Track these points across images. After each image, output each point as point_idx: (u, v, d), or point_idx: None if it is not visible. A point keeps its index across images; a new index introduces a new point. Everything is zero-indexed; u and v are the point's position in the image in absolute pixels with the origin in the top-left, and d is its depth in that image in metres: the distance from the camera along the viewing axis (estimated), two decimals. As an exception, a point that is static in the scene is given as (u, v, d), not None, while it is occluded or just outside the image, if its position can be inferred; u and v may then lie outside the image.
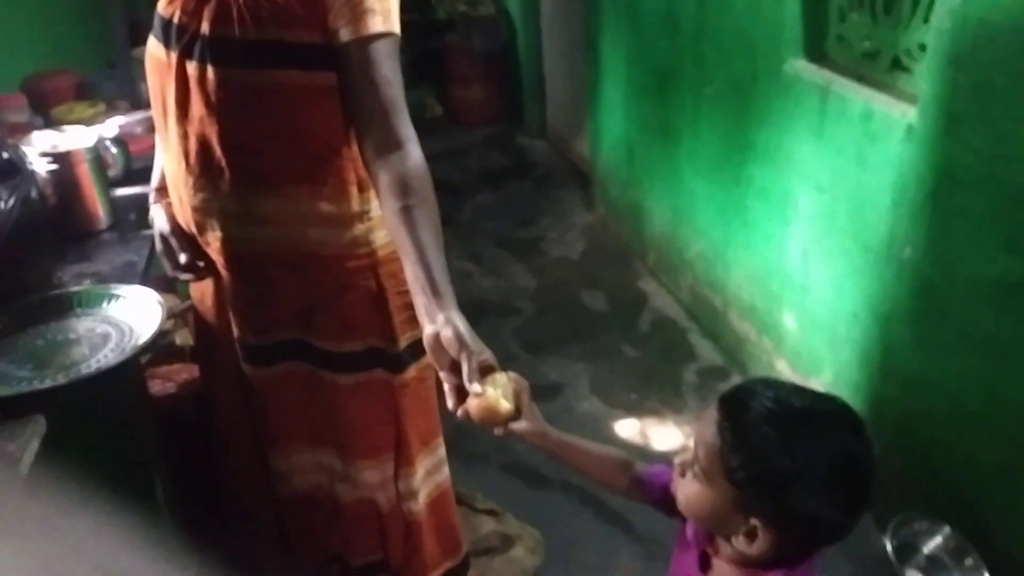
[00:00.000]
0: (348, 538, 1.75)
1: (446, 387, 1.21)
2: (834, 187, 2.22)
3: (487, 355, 1.16)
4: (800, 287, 2.45)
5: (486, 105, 5.28)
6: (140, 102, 2.71)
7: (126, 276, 1.61)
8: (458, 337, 1.16)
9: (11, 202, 1.73)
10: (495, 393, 1.13)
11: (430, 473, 1.74)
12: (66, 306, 1.46)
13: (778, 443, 1.00)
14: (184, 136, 1.42)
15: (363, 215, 1.49)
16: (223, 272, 1.52)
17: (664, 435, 2.58)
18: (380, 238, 1.51)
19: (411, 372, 1.62)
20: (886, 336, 2.12)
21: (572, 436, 1.28)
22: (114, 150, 1.93)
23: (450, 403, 1.19)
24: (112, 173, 1.92)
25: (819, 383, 2.40)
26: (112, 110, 2.60)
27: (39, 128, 2.43)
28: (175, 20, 1.40)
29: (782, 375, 2.59)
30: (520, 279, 3.55)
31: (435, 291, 1.23)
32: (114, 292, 1.48)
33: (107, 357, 1.32)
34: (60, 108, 2.59)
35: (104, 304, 1.47)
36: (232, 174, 1.42)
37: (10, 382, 1.28)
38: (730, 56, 2.67)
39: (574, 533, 2.23)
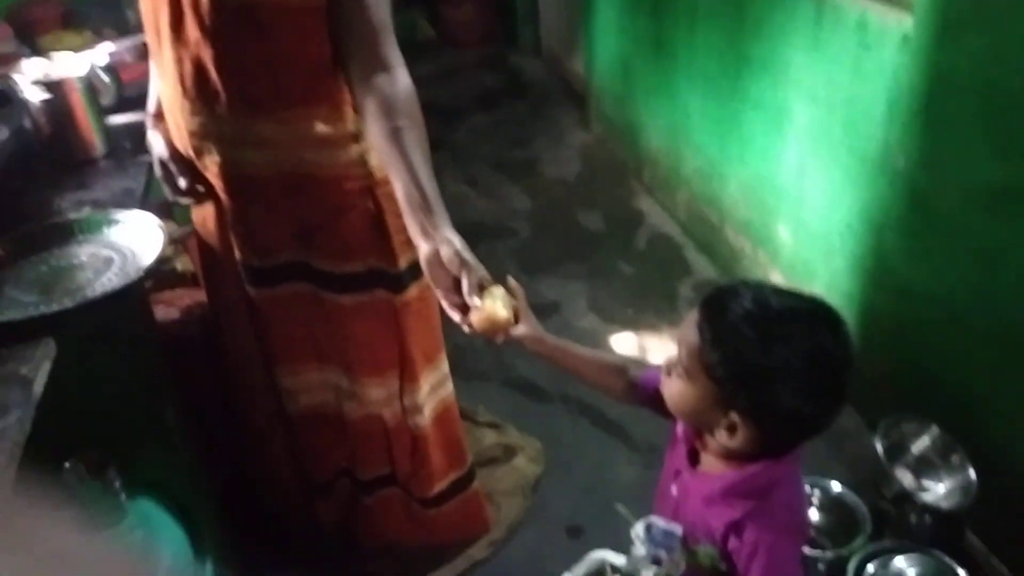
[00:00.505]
0: (356, 453, 1.80)
1: (445, 304, 1.25)
2: (829, 98, 2.21)
3: (483, 271, 1.20)
4: (795, 199, 2.46)
5: (478, 25, 5.19)
6: (128, 28, 2.67)
7: (125, 202, 1.62)
8: (457, 254, 1.20)
9: (4, 132, 1.73)
10: (494, 304, 1.18)
11: (434, 389, 1.78)
12: (68, 233, 1.48)
13: (755, 341, 1.04)
14: (179, 60, 1.42)
15: (359, 136, 1.49)
16: (222, 195, 1.53)
17: (660, 348, 2.62)
18: (376, 159, 1.51)
19: (413, 291, 1.64)
20: (879, 245, 2.14)
21: (569, 342, 1.33)
22: (106, 78, 1.92)
23: (456, 317, 1.24)
24: (105, 101, 1.91)
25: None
26: (100, 37, 2.57)
27: (19, 57, 2.41)
28: None
29: (777, 288, 2.62)
30: (516, 201, 3.55)
31: (429, 210, 1.25)
32: (114, 218, 1.50)
33: (112, 280, 1.35)
34: (47, 37, 2.55)
35: (105, 230, 1.48)
36: (228, 97, 1.42)
37: (18, 307, 1.30)
38: (724, -34, 2.63)
39: (573, 443, 2.30)
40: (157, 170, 1.60)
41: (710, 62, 2.83)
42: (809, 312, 1.08)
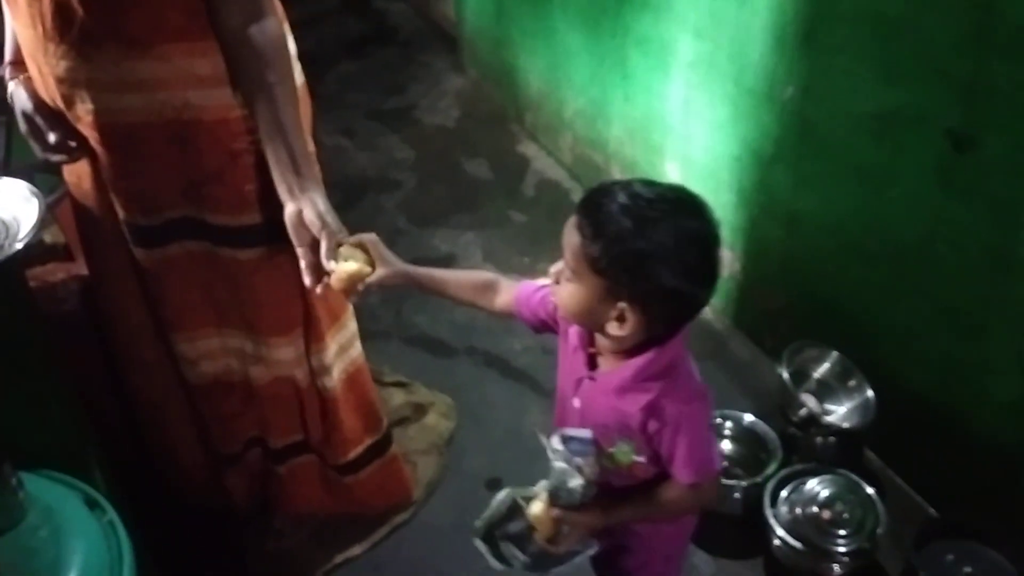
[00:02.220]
0: (266, 420, 1.72)
1: (303, 264, 1.30)
2: (714, 31, 2.22)
3: (343, 233, 1.28)
4: (682, 136, 2.48)
5: (336, -32, 4.96)
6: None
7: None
8: (319, 216, 1.26)
9: None
10: (346, 264, 1.26)
11: (343, 348, 1.71)
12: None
13: (631, 228, 1.10)
14: (35, 2, 1.26)
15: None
16: (99, 149, 1.39)
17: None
18: None
19: None
20: (768, 177, 2.19)
21: (434, 269, 1.40)
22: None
23: (307, 280, 1.31)
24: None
25: (705, 229, 2.47)
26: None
27: None
28: None
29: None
30: (397, 151, 3.44)
31: (297, 171, 1.29)
32: (-24, 186, 1.33)
33: (-14, 256, 1.20)
34: None
35: (-34, 200, 1.32)
36: (98, 36, 1.28)
37: None
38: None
39: (483, 395, 2.28)
40: (23, 125, 1.43)
41: (589, -1, 2.80)
42: (676, 199, 1.16)
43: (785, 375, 1.95)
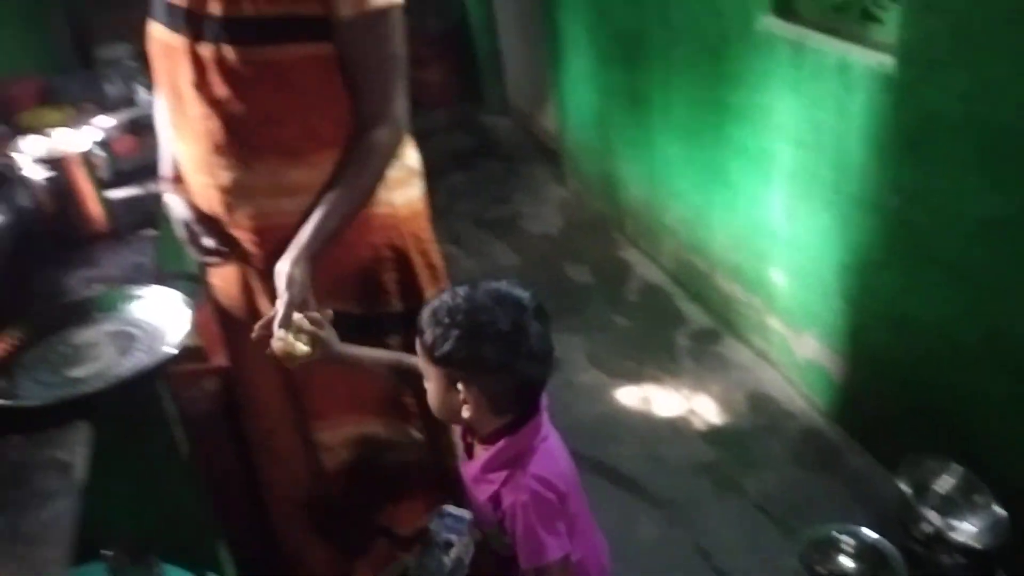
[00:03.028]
0: (395, 506, 1.77)
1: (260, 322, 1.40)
2: (815, 141, 2.26)
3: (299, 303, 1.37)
4: (787, 243, 2.50)
5: (444, 85, 5.25)
6: (107, 103, 2.66)
7: (136, 277, 1.59)
8: (289, 282, 1.36)
9: (7, 213, 1.69)
10: (291, 339, 1.35)
11: None
12: (84, 311, 1.44)
13: (451, 315, 1.24)
14: (206, 117, 1.43)
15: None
16: (254, 250, 1.53)
17: (665, 400, 2.63)
18: (398, 197, 1.57)
19: None
20: (878, 283, 2.17)
21: (362, 350, 1.49)
22: (101, 153, 1.89)
23: (254, 335, 1.38)
24: (101, 176, 1.88)
25: (813, 336, 2.46)
26: (80, 112, 2.55)
27: (6, 136, 2.37)
28: (183, 4, 1.41)
29: (774, 332, 2.65)
30: (502, 257, 3.56)
31: (301, 240, 1.41)
32: (134, 294, 1.46)
33: (140, 358, 1.31)
34: (26, 114, 2.52)
35: (122, 306, 1.45)
36: (261, 148, 1.44)
37: (43, 390, 1.26)
38: (698, 17, 2.69)
39: (592, 501, 2.26)
40: (181, 232, 1.58)
41: (688, 110, 2.89)
42: (493, 290, 1.27)
43: (906, 489, 1.88)
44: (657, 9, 2.91)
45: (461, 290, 1.28)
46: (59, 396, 1.23)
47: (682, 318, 3.00)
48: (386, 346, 1.62)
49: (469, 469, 1.36)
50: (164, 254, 1.75)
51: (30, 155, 1.69)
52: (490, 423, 1.29)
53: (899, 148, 1.98)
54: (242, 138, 1.43)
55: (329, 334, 1.41)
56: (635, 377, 2.72)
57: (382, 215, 1.55)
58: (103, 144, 1.95)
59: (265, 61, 1.38)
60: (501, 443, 1.29)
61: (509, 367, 1.23)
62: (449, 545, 1.28)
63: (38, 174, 1.68)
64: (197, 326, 1.85)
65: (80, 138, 1.76)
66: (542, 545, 1.28)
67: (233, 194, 1.48)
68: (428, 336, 1.26)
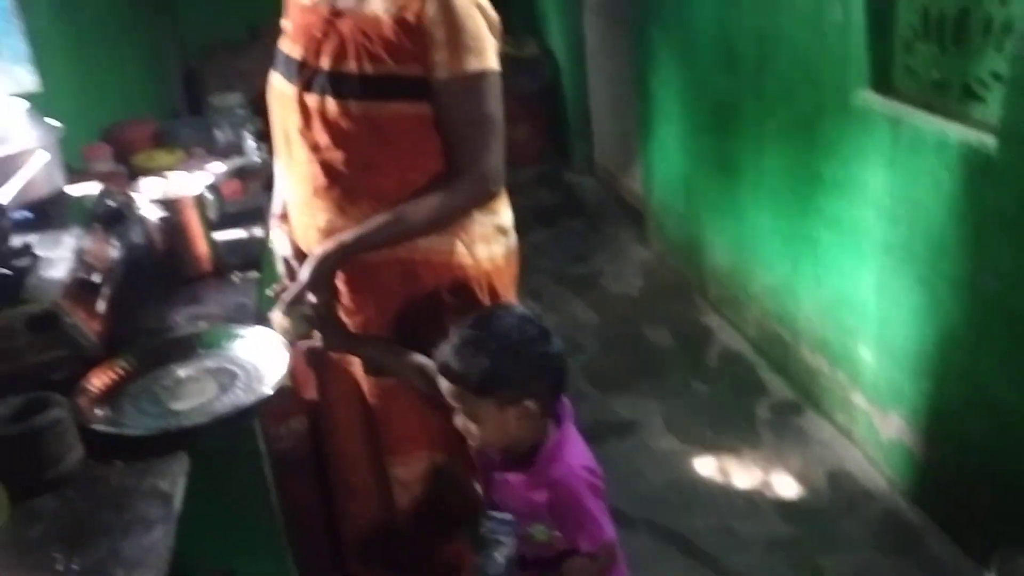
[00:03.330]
0: (463, 543, 1.78)
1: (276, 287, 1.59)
2: (910, 217, 2.23)
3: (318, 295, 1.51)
4: (877, 319, 2.45)
5: (532, 144, 5.34)
6: (216, 148, 2.79)
7: (239, 317, 1.65)
8: (313, 262, 1.50)
9: (121, 249, 1.79)
10: (285, 322, 1.52)
11: None
12: (189, 347, 1.51)
13: (485, 350, 1.37)
14: (309, 162, 1.53)
15: (468, 225, 1.59)
16: (341, 287, 1.61)
17: (743, 472, 2.58)
18: (482, 251, 1.62)
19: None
20: (971, 366, 2.11)
21: (384, 353, 1.62)
22: (210, 196, 1.99)
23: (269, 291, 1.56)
24: (210, 217, 1.96)
25: (899, 415, 2.39)
26: (189, 156, 2.68)
27: (121, 175, 2.51)
28: (298, 57, 1.53)
29: (858, 408, 2.59)
30: (581, 316, 3.57)
31: (342, 237, 1.51)
32: (236, 332, 1.53)
33: (240, 396, 1.36)
34: (140, 156, 2.67)
35: (226, 344, 1.52)
36: (355, 194, 1.53)
37: (146, 420, 1.32)
38: (793, 89, 2.70)
39: (661, 571, 2.23)
40: (280, 267, 1.68)
41: (779, 180, 2.88)
42: (472, 323, 1.43)
43: (996, 582, 1.80)
44: (752, 80, 2.93)
45: (467, 328, 1.41)
46: (162, 427, 1.28)
47: (763, 388, 2.95)
48: None
49: (513, 480, 1.47)
50: (265, 295, 1.82)
51: (147, 195, 1.79)
52: (542, 429, 1.44)
53: (998, 229, 1.94)
54: (339, 183, 1.53)
55: (328, 331, 1.57)
56: (712, 446, 2.68)
57: (463, 266, 1.61)
58: (212, 187, 2.04)
59: (363, 115, 1.48)
60: (544, 451, 1.43)
61: (547, 366, 1.41)
62: (500, 545, 1.43)
63: (153, 214, 1.77)
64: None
65: (194, 181, 1.86)
66: (601, 526, 1.42)
67: (328, 234, 1.56)
68: (469, 376, 1.38)
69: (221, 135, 2.84)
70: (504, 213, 1.69)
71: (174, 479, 1.18)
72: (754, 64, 2.91)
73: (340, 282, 1.61)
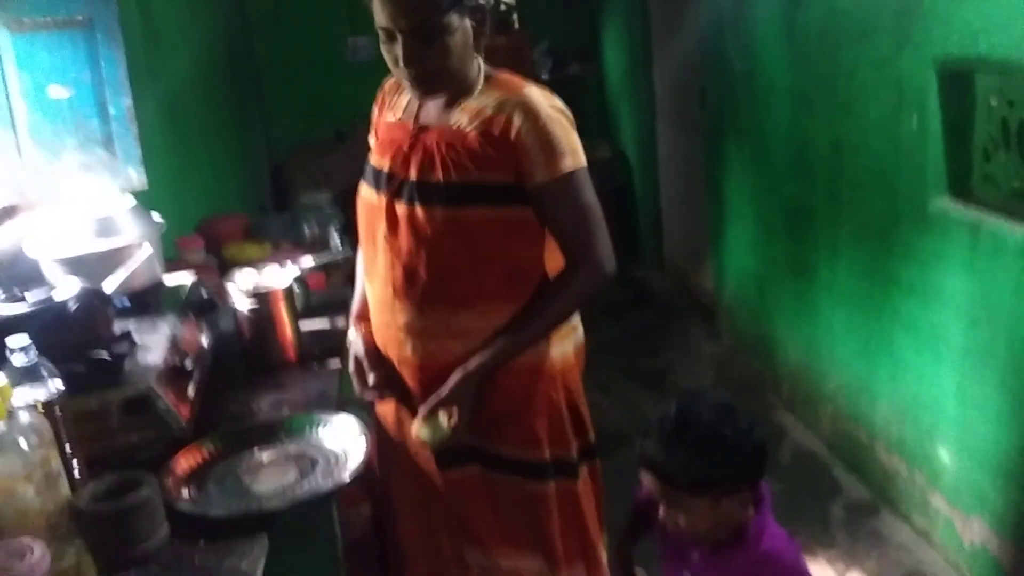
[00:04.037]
0: None
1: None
2: (991, 321, 2.20)
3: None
4: (956, 422, 2.39)
5: (604, 241, 5.42)
6: (303, 243, 2.93)
7: (321, 404, 1.72)
8: (455, 380, 1.58)
9: (212, 337, 1.88)
10: (424, 432, 1.58)
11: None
12: (273, 432, 1.57)
13: (703, 447, 1.41)
14: (392, 266, 1.60)
15: None
16: (414, 384, 1.65)
17: (818, 573, 2.49)
18: (556, 352, 1.65)
19: (580, 482, 1.72)
20: (1058, 473, 2.04)
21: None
22: (297, 288, 2.09)
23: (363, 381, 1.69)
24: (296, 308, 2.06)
25: (982, 520, 2.30)
26: (277, 250, 2.82)
27: (213, 266, 2.65)
28: (386, 170, 1.63)
29: (937, 512, 2.50)
30: (650, 411, 3.54)
31: (481, 357, 1.58)
32: (319, 419, 1.59)
33: (318, 482, 1.41)
34: (231, 248, 2.81)
35: (308, 430, 1.57)
36: (433, 296, 1.59)
37: (229, 503, 1.37)
38: (868, 195, 2.71)
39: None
40: (351, 365, 1.74)
41: (854, 282, 2.87)
42: (681, 410, 1.47)
43: None
44: (826, 186, 2.96)
45: (672, 422, 1.43)
46: (243, 510, 1.33)
47: (838, 488, 2.87)
48: (537, 492, 1.68)
49: (720, 563, 1.50)
50: (346, 383, 1.89)
51: (240, 286, 1.89)
52: (749, 509, 1.47)
53: (1082, 333, 1.90)
54: (419, 286, 1.59)
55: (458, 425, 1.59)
56: (786, 548, 2.61)
57: (543, 368, 1.65)
58: (299, 279, 2.14)
59: (447, 220, 1.55)
60: (751, 527, 1.47)
61: (758, 456, 1.47)
62: None
63: (245, 304, 1.87)
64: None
65: (283, 274, 1.95)
66: None
67: (407, 332, 1.63)
68: (681, 476, 1.40)
69: (308, 230, 2.98)
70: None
71: (254, 560, 1.22)
72: (828, 170, 2.94)
73: (421, 391, 1.65)
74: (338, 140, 5.27)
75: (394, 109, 1.72)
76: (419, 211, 1.56)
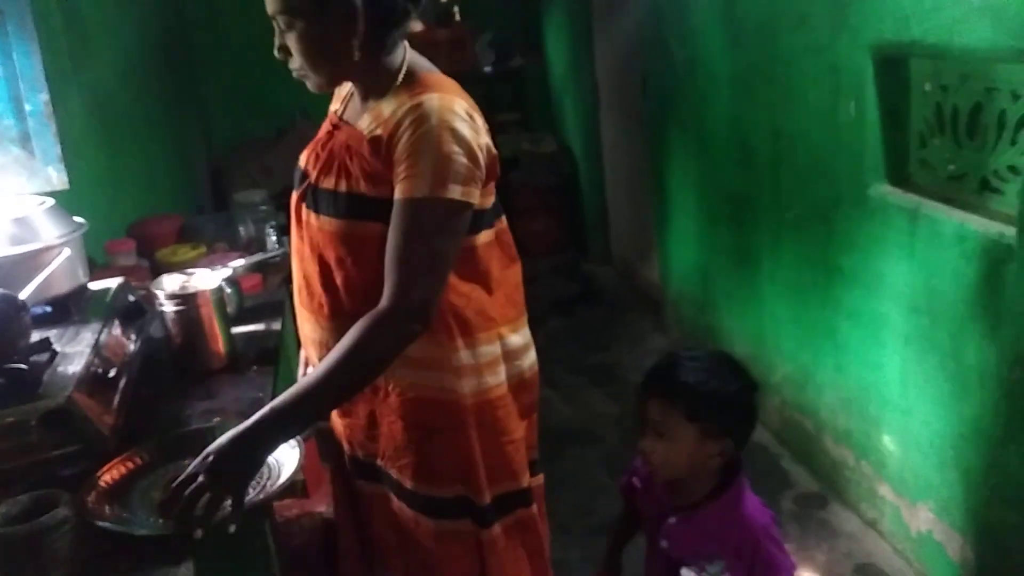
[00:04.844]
0: None
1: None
2: (931, 308, 2.21)
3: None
4: (900, 409, 2.40)
5: (550, 235, 5.40)
6: (239, 243, 2.84)
7: (253, 412, 1.63)
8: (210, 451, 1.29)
9: (139, 343, 1.80)
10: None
11: None
12: (203, 442, 1.49)
13: (723, 378, 1.51)
14: (298, 272, 1.57)
15: (444, 361, 1.50)
16: (363, 423, 1.60)
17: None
18: (466, 386, 1.51)
19: (497, 529, 1.58)
20: (999, 457, 2.06)
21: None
22: (228, 290, 2.01)
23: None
24: (228, 311, 1.98)
25: (928, 508, 2.32)
26: (212, 252, 2.72)
27: (144, 270, 2.55)
28: (302, 166, 1.56)
29: (885, 501, 2.52)
30: (600, 405, 3.54)
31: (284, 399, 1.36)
32: (249, 428, 1.51)
33: (249, 495, 1.34)
34: (164, 251, 2.71)
35: (239, 440, 1.50)
36: (327, 309, 1.51)
37: (153, 518, 1.30)
38: (809, 183, 2.72)
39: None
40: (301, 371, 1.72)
41: (797, 271, 2.88)
42: (714, 351, 1.66)
43: None
44: (768, 174, 2.96)
45: (704, 352, 1.58)
46: (168, 527, 1.26)
47: (787, 480, 2.88)
48: (420, 526, 1.59)
49: (699, 519, 1.55)
50: (280, 390, 1.82)
51: (165, 289, 1.81)
52: (716, 477, 1.53)
53: (1020, 318, 1.92)
54: (315, 297, 1.53)
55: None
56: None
57: (444, 401, 1.51)
58: (231, 281, 2.06)
59: (336, 232, 1.46)
60: (732, 489, 1.53)
61: (753, 417, 1.56)
62: None
63: (172, 308, 1.79)
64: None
65: (212, 276, 1.88)
66: (792, 563, 1.55)
67: (307, 343, 1.62)
68: (690, 392, 1.47)
69: (244, 230, 2.89)
70: (510, 339, 1.56)
71: (179, 580, 1.16)
72: (769, 158, 2.95)
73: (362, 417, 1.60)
74: (279, 137, 5.16)
75: (337, 99, 1.62)
76: (312, 218, 1.50)
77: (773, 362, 3.10)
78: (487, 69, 5.66)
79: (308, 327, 1.57)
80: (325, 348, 1.51)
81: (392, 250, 1.38)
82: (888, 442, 2.48)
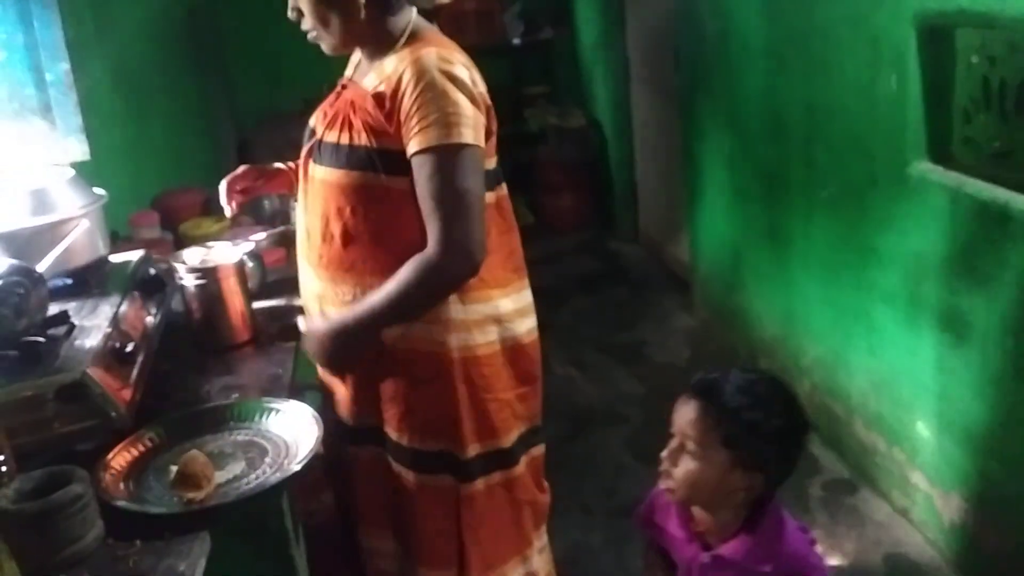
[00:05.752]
0: None
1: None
2: (971, 291, 2.14)
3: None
4: (936, 395, 2.33)
5: (576, 212, 5.33)
6: (263, 217, 2.81)
7: (272, 389, 1.62)
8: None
9: (159, 317, 1.77)
10: None
11: None
12: (221, 419, 1.48)
13: (767, 407, 1.39)
14: (301, 226, 1.62)
15: (434, 314, 1.54)
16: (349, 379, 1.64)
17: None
18: (453, 340, 1.56)
19: (478, 485, 1.62)
20: (1040, 448, 1.99)
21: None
22: (250, 264, 1.98)
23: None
24: (250, 286, 1.95)
25: (961, 497, 2.26)
26: (237, 225, 2.70)
27: (167, 243, 2.53)
28: (312, 124, 1.63)
29: (917, 489, 2.46)
30: (625, 385, 3.49)
31: (355, 312, 1.52)
32: (269, 406, 1.49)
33: (266, 473, 1.32)
34: (187, 224, 2.69)
35: (258, 418, 1.48)
36: (327, 262, 1.56)
37: (170, 498, 1.28)
38: (845, 160, 2.64)
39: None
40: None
41: (830, 251, 2.80)
42: (771, 379, 1.49)
43: None
44: (801, 151, 2.88)
45: (759, 378, 1.43)
46: (183, 506, 1.24)
47: (816, 466, 2.82)
48: (403, 479, 1.63)
49: (729, 556, 1.42)
50: (302, 365, 1.80)
51: (187, 263, 1.78)
52: (741, 515, 1.42)
53: (1066, 303, 1.85)
54: (316, 250, 1.58)
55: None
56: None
57: (431, 353, 1.56)
58: (254, 255, 2.04)
59: (339, 183, 1.53)
60: (768, 520, 1.41)
61: (796, 458, 1.43)
62: None
63: (192, 281, 1.76)
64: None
65: (235, 250, 1.85)
66: None
67: (312, 298, 1.65)
68: (733, 419, 1.36)
69: (268, 204, 2.86)
70: (501, 303, 1.61)
71: (193, 561, 1.13)
72: (803, 135, 2.86)
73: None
74: (305, 109, 5.11)
75: (351, 67, 1.69)
76: (318, 170, 1.55)
77: (803, 344, 3.03)
78: (515, 41, 5.56)
79: (307, 279, 1.64)
80: (325, 303, 1.59)
81: (424, 200, 1.46)
82: (922, 428, 2.41)
